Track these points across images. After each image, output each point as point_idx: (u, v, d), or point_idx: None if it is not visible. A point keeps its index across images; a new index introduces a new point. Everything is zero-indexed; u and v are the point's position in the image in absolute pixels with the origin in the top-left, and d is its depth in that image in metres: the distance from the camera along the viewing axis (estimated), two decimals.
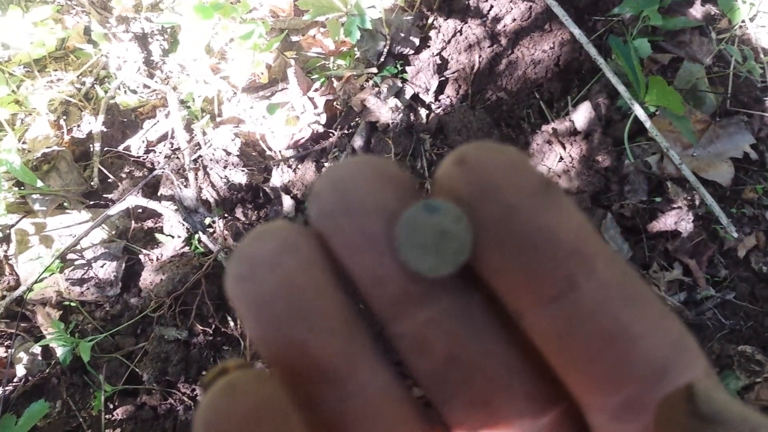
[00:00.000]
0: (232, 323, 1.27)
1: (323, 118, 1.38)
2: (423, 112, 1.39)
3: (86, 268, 1.33)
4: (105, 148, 1.40)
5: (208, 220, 1.32)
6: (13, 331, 1.30)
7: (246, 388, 0.19)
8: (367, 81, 1.39)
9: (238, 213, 1.35)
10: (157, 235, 1.35)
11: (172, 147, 1.41)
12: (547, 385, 0.21)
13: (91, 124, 1.40)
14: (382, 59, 1.40)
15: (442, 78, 1.41)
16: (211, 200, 1.34)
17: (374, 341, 0.21)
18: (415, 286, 0.21)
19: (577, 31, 1.35)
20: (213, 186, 1.34)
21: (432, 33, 1.44)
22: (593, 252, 0.20)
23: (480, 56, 1.42)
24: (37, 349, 1.30)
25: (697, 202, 1.30)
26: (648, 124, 1.29)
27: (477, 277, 0.21)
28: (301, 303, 0.20)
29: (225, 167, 1.34)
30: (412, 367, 0.22)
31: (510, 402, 0.21)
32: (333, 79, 1.40)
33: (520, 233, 0.19)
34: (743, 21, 1.42)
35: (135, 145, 1.41)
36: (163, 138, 1.42)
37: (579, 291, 0.19)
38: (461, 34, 1.43)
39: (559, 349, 0.20)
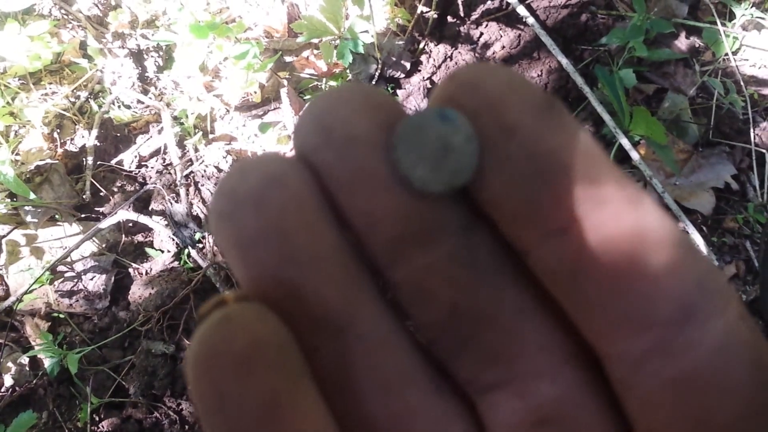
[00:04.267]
0: None
1: None
2: None
3: (76, 280, 1.34)
4: (98, 162, 1.42)
5: (198, 236, 1.33)
6: (1, 341, 1.32)
7: (244, 323, 0.17)
8: None
9: None
10: (147, 250, 1.36)
11: (164, 162, 1.43)
12: (564, 335, 0.19)
13: (85, 138, 1.42)
14: (373, 82, 1.43)
15: None
16: (202, 216, 1.35)
17: (376, 287, 0.19)
18: (412, 225, 0.18)
19: (564, 61, 1.38)
20: (204, 202, 1.36)
21: (423, 58, 1.47)
22: (603, 178, 0.17)
23: None
24: (24, 359, 1.31)
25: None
26: (632, 153, 1.32)
27: (480, 212, 0.19)
28: (292, 244, 0.17)
29: (216, 184, 1.36)
30: (414, 318, 0.19)
31: (524, 356, 0.19)
32: None
33: (523, 157, 0.17)
34: (727, 54, 1.46)
35: (127, 159, 1.43)
36: (156, 153, 1.44)
37: (588, 222, 0.17)
38: (451, 60, 1.46)
39: (570, 289, 0.18)
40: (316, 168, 0.18)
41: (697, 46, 1.49)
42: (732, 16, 1.49)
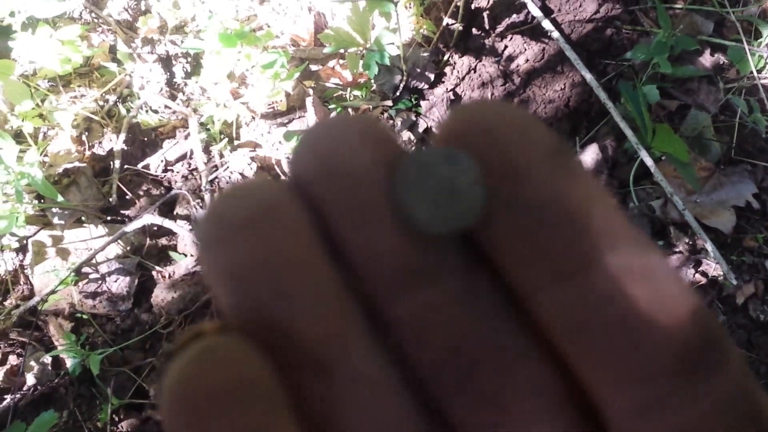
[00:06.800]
0: None
1: None
2: None
3: (100, 282, 1.36)
4: (124, 166, 1.44)
5: None
6: (25, 340, 1.34)
7: (226, 357, 0.16)
8: (382, 113, 1.43)
9: None
10: (171, 253, 1.38)
11: (189, 167, 1.45)
12: (562, 380, 0.18)
13: (113, 141, 1.44)
14: (397, 93, 1.45)
15: None
16: None
17: (369, 324, 0.18)
18: (413, 261, 0.18)
19: (588, 75, 1.39)
20: None
21: (447, 69, 1.48)
22: (612, 227, 0.17)
23: (493, 94, 1.46)
24: (47, 359, 1.33)
25: (698, 248, 1.34)
26: (653, 169, 1.33)
27: (482, 253, 0.18)
28: (283, 276, 0.17)
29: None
30: (410, 357, 0.19)
31: (521, 399, 0.18)
32: (349, 109, 1.44)
33: (532, 202, 0.17)
34: (752, 72, 1.46)
35: (154, 163, 1.45)
36: (182, 158, 1.46)
37: (596, 270, 0.17)
38: (475, 72, 1.47)
39: (572, 336, 0.17)
40: (313, 198, 0.18)
41: (721, 63, 1.49)
42: (758, 35, 1.49)
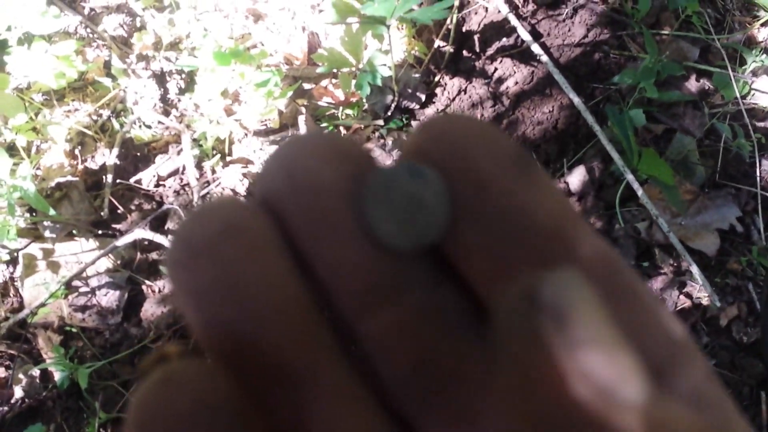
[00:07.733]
0: None
1: None
2: None
3: (90, 295, 1.37)
4: (117, 180, 1.45)
5: None
6: (14, 352, 1.34)
7: (185, 382, 0.16)
8: (373, 133, 1.45)
9: None
10: (161, 268, 1.39)
11: (181, 183, 1.46)
12: None
13: (106, 156, 1.45)
14: (389, 113, 1.47)
15: None
16: None
17: (338, 339, 0.18)
18: (379, 278, 0.18)
19: (576, 99, 1.42)
20: None
21: (438, 90, 1.50)
22: (575, 236, 0.18)
23: (482, 115, 1.48)
24: (36, 372, 1.33)
25: (682, 270, 1.36)
26: (639, 191, 1.35)
27: (450, 266, 0.19)
28: (248, 295, 0.17)
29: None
30: (379, 373, 0.19)
31: (489, 413, 0.18)
32: (341, 128, 1.46)
33: (496, 212, 0.17)
34: (736, 98, 1.49)
35: (146, 178, 1.46)
36: (174, 173, 1.47)
37: None
38: (465, 93, 1.49)
39: None
40: (279, 215, 0.18)
41: (706, 88, 1.52)
42: (743, 62, 1.52)
